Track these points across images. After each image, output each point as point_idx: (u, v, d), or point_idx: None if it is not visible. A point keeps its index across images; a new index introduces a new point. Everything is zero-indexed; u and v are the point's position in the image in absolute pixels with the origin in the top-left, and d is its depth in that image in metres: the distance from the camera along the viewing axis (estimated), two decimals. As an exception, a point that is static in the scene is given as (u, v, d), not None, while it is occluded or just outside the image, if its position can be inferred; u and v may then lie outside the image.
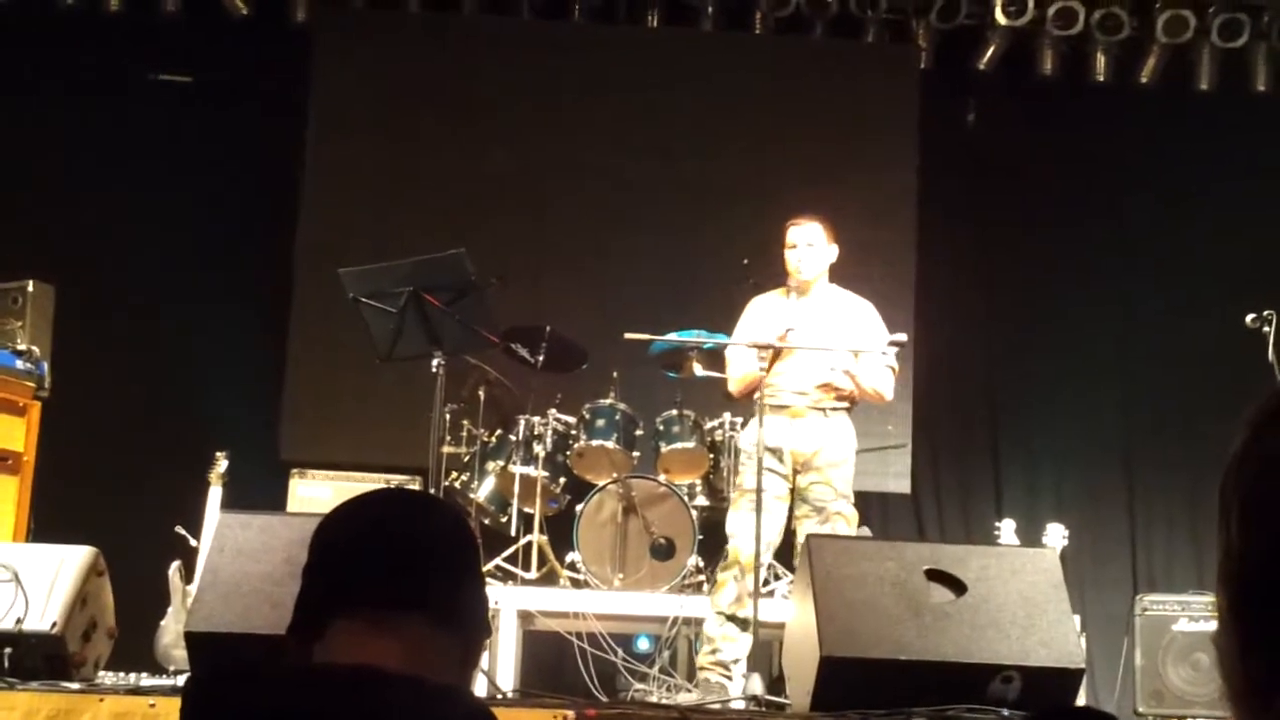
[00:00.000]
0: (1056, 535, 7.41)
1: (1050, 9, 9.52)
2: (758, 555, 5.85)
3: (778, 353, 6.21)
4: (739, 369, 6.47)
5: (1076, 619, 5.85)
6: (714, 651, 6.07)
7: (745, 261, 6.79)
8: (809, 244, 6.38)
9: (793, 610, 5.20)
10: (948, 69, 9.92)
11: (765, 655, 6.40)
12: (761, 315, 6.45)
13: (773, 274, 6.58)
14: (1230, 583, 1.16)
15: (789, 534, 6.34)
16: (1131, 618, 7.63)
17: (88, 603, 5.23)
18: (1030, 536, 7.62)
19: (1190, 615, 7.33)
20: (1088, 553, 9.07)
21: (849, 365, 6.18)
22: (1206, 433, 9.04)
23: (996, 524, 7.74)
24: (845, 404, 6.36)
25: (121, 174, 9.28)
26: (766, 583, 6.88)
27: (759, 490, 5.83)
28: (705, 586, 7.05)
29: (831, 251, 6.45)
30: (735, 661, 6.11)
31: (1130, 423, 9.60)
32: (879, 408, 9.23)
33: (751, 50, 9.96)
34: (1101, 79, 9.79)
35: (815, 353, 6.18)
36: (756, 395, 6.18)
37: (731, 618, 6.09)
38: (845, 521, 6.19)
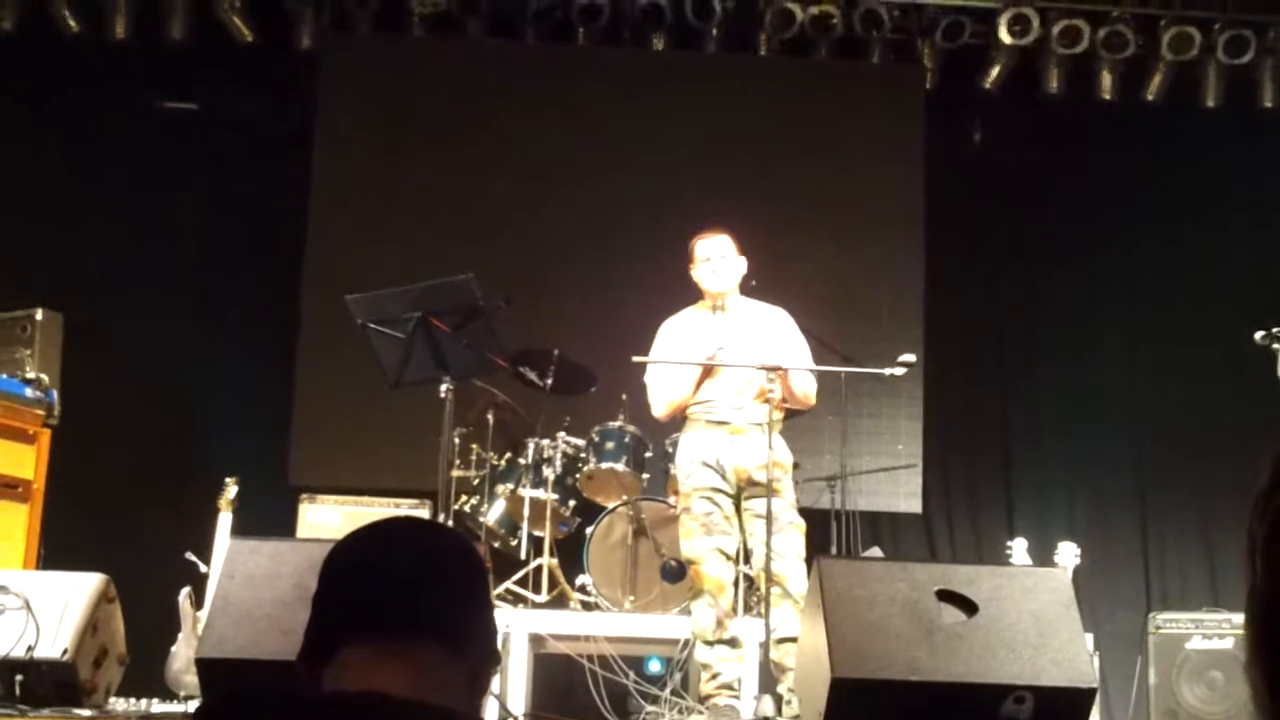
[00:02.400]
0: (1069, 554, 7.38)
1: (1055, 27, 9.53)
2: (768, 568, 5.79)
3: (707, 371, 6.17)
4: (666, 391, 6.26)
5: (1089, 638, 5.83)
6: (714, 676, 6.02)
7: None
8: (722, 256, 6.27)
9: (804, 631, 5.18)
10: (953, 89, 9.92)
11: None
12: (684, 334, 6.34)
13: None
14: (1257, 620, 1.15)
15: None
16: (1145, 636, 7.60)
17: (98, 629, 5.24)
18: (1042, 555, 7.60)
19: (1204, 633, 7.29)
20: (1100, 571, 9.05)
21: (778, 365, 6.05)
22: (1218, 449, 9.04)
23: (1008, 543, 7.72)
24: (781, 416, 6.24)
25: (128, 201, 9.31)
26: (756, 598, 6.83)
27: (770, 506, 5.81)
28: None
29: (741, 264, 6.32)
30: (738, 680, 6.07)
31: (1141, 439, 9.58)
32: (889, 429, 9.29)
33: (756, 72, 9.97)
34: (1107, 97, 9.79)
35: (748, 368, 6.08)
36: (688, 414, 6.16)
37: (719, 641, 6.03)
38: (799, 531, 6.08)
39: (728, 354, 6.11)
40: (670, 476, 7.30)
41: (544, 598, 7.42)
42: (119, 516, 8.59)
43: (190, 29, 9.64)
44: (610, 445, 7.65)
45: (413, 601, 1.88)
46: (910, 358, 6.35)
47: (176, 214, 9.33)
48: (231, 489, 7.22)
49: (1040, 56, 9.75)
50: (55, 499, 7.25)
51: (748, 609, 7.08)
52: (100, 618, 5.28)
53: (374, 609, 1.87)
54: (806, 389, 6.26)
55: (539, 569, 7.53)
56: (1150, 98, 9.80)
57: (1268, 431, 4.78)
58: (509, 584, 7.49)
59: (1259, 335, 6.61)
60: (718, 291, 6.25)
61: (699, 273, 6.32)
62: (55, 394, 7.34)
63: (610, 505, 7.65)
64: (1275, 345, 6.54)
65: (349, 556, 1.96)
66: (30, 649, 4.99)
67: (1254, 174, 9.61)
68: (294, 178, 9.45)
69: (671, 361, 6.26)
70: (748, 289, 6.41)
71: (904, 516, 9.45)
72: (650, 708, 6.44)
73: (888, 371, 6.33)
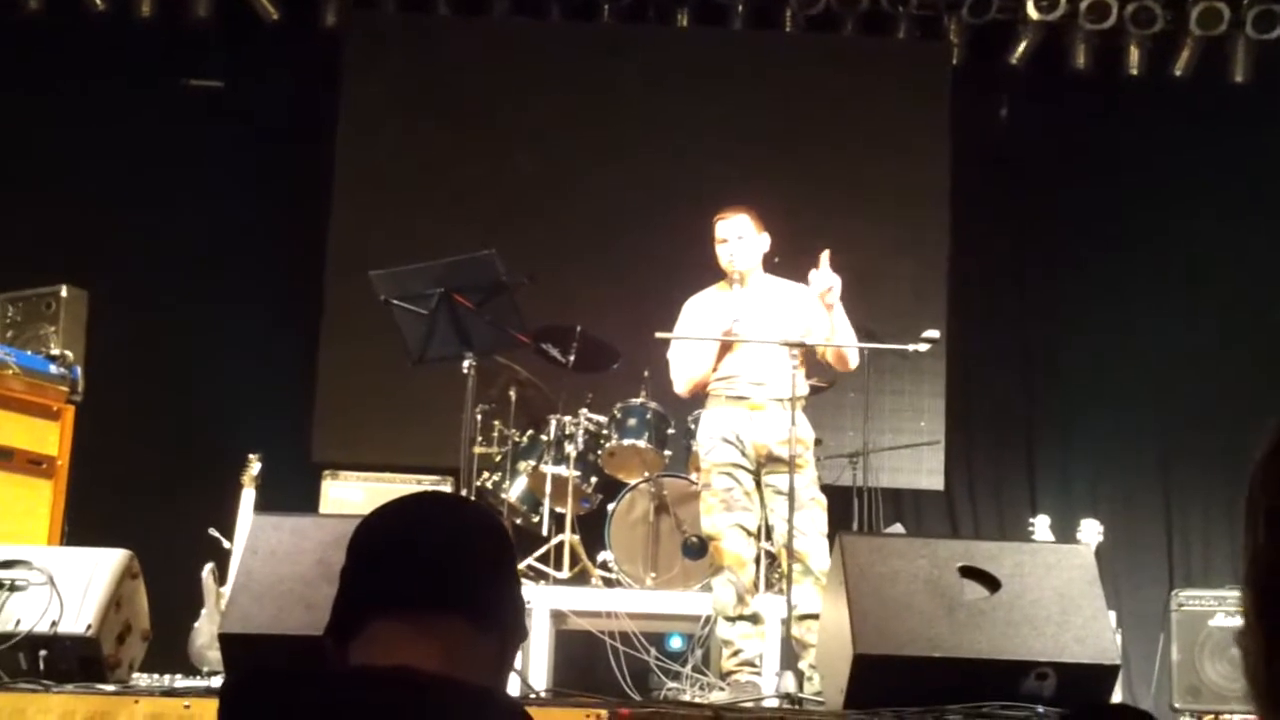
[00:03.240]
0: (1091, 531, 7.37)
1: (1083, 3, 9.47)
2: (790, 544, 5.78)
3: (726, 347, 6.15)
4: (687, 367, 6.27)
5: (1112, 615, 5.81)
6: (736, 653, 6.01)
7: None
8: (739, 236, 6.24)
9: (826, 608, 5.18)
10: (980, 64, 9.88)
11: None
12: (704, 311, 6.33)
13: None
14: (1255, 585, 1.16)
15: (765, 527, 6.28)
16: (1167, 613, 7.58)
17: (122, 605, 5.25)
18: (1065, 532, 7.58)
19: (1227, 610, 7.27)
20: (1123, 548, 9.02)
21: (831, 292, 6.02)
22: (1243, 425, 8.98)
23: (1031, 520, 7.70)
24: (805, 391, 6.19)
25: (153, 180, 9.35)
26: (778, 574, 6.82)
27: (791, 490, 5.80)
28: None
29: (763, 241, 6.29)
30: (759, 657, 6.07)
31: (1165, 416, 9.54)
32: (911, 406, 9.26)
33: (782, 48, 9.94)
34: (1135, 73, 9.73)
35: (768, 343, 6.06)
36: (710, 390, 6.16)
37: (740, 617, 6.04)
38: (821, 508, 6.07)
39: (744, 328, 6.09)
40: (692, 453, 7.31)
41: (565, 574, 7.43)
42: (143, 493, 8.64)
43: (215, 8, 9.67)
44: (632, 422, 7.65)
45: (440, 577, 1.88)
46: (934, 334, 6.32)
47: (202, 192, 9.36)
48: (255, 465, 7.26)
49: (1068, 32, 9.70)
50: (79, 475, 7.27)
51: (769, 585, 7.08)
52: (124, 594, 5.29)
53: (402, 584, 1.86)
54: (846, 350, 6.21)
55: (560, 545, 7.54)
56: (1178, 73, 9.73)
57: (1293, 409, 4.75)
58: (531, 560, 7.51)
59: (1281, 314, 6.58)
60: (736, 271, 6.24)
61: (718, 253, 6.31)
62: (79, 370, 7.36)
63: (632, 482, 7.65)
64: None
65: (377, 532, 1.96)
66: (54, 624, 5.00)
67: (1282, 150, 9.53)
68: (318, 156, 9.46)
69: (690, 338, 6.25)
70: (771, 266, 6.39)
71: (926, 493, 9.44)
72: (671, 684, 6.45)
73: (911, 348, 6.30)
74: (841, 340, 6.18)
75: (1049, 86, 9.88)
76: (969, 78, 9.80)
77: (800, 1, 9.66)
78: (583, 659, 7.19)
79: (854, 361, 6.34)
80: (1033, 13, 9.51)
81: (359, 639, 1.85)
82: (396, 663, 1.78)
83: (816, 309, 6.23)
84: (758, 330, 6.10)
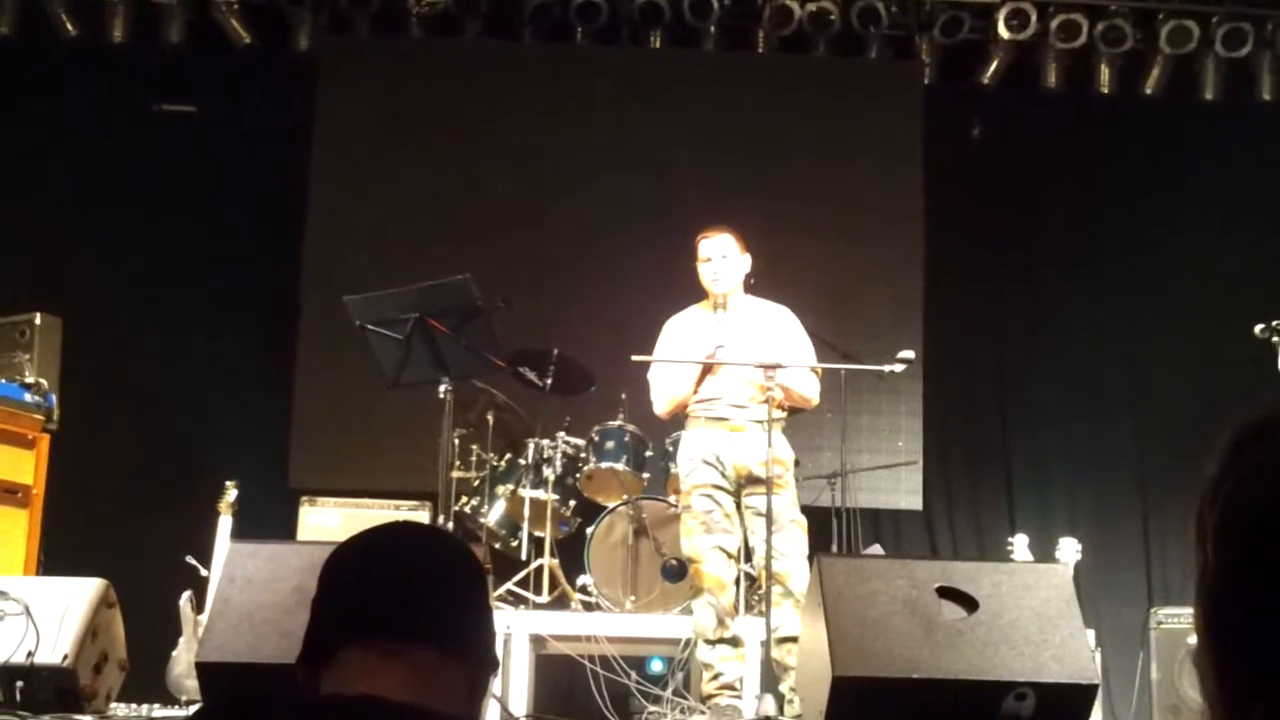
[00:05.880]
0: (1070, 550, 7.37)
1: (1053, 22, 9.51)
2: (768, 566, 5.79)
3: (707, 369, 6.16)
4: (667, 389, 6.29)
5: (1091, 634, 5.82)
6: (716, 676, 6.01)
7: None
8: (723, 255, 6.25)
9: (805, 630, 5.18)
10: (952, 84, 9.91)
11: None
12: (686, 333, 6.34)
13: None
14: (1205, 599, 1.18)
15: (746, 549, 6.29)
16: (1146, 631, 7.59)
17: (99, 635, 5.24)
18: (1044, 551, 7.59)
19: (1195, 628, 7.27)
20: (1102, 566, 9.05)
21: (779, 380, 6.03)
22: (1218, 443, 9.00)
23: (1010, 539, 7.71)
24: (783, 414, 6.24)
25: (126, 205, 9.30)
26: (757, 596, 6.83)
27: (771, 508, 5.80)
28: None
29: (745, 261, 6.30)
30: (740, 680, 6.07)
31: (1142, 434, 9.56)
32: (889, 426, 9.27)
33: (754, 69, 9.96)
34: (1106, 91, 9.77)
35: (746, 365, 6.08)
36: (689, 412, 6.17)
37: (720, 640, 6.03)
38: (801, 529, 6.08)
39: (728, 352, 6.10)
40: (671, 475, 7.30)
41: (545, 598, 7.41)
42: (119, 521, 8.58)
43: (187, 31, 9.62)
44: (610, 445, 7.64)
45: (411, 605, 1.89)
46: (909, 354, 6.35)
47: (175, 217, 9.32)
48: (231, 492, 7.22)
49: (1038, 51, 9.73)
50: (55, 504, 7.25)
51: (749, 608, 7.07)
52: (100, 623, 5.28)
53: (372, 612, 1.87)
54: (806, 390, 6.25)
55: (540, 569, 7.52)
56: (1149, 92, 9.78)
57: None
58: (510, 585, 7.49)
59: (1259, 329, 6.61)
60: (719, 291, 6.25)
61: (701, 272, 6.32)
62: (54, 398, 7.34)
63: (611, 505, 7.64)
64: (1275, 339, 6.53)
65: (348, 561, 1.96)
66: (30, 655, 4.99)
67: (1253, 168, 9.58)
68: (292, 180, 9.44)
69: (666, 360, 6.25)
70: (749, 287, 6.41)
71: (905, 513, 9.44)
72: (652, 708, 6.43)
73: (887, 368, 6.33)
74: (806, 382, 6.22)
75: (1020, 105, 9.92)
76: (941, 98, 9.82)
77: (772, 22, 9.67)
78: (563, 683, 7.17)
79: (815, 398, 6.35)
80: (1004, 32, 9.55)
81: (331, 667, 1.86)
82: (367, 691, 1.78)
83: (794, 330, 6.27)
84: (740, 354, 6.11)
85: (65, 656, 5.03)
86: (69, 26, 9.55)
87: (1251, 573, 1.14)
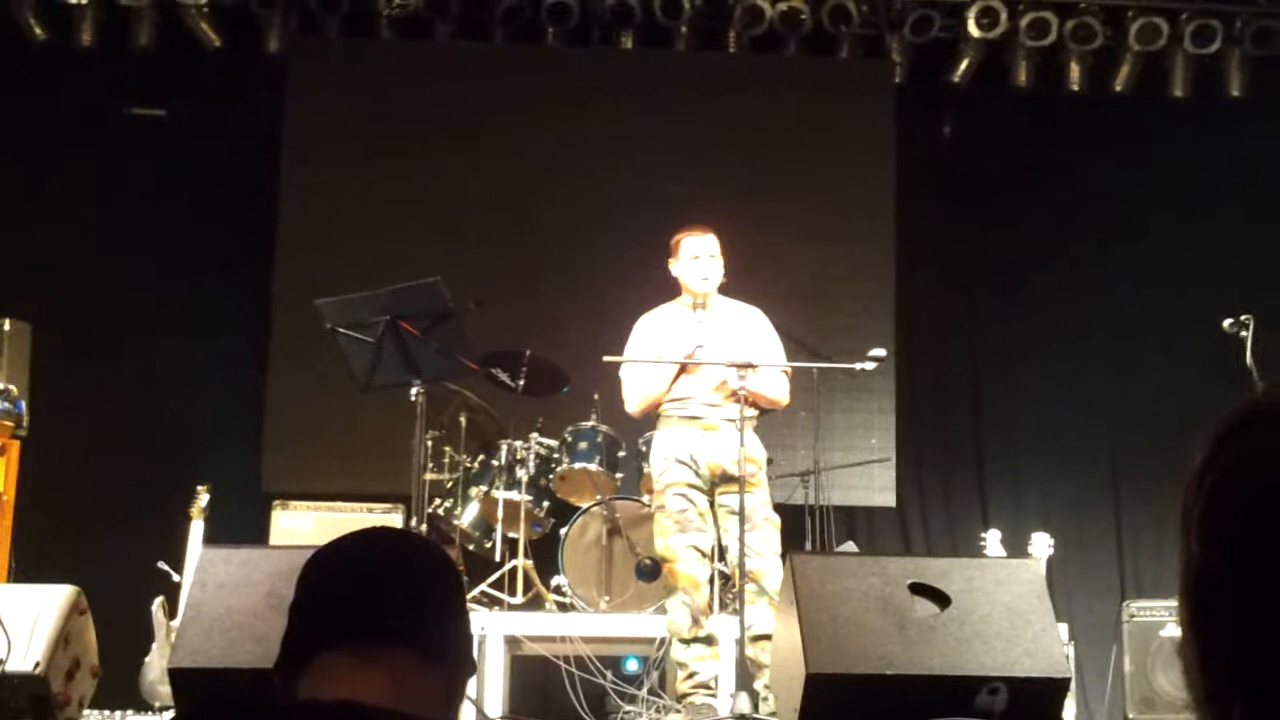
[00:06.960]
0: (1042, 544, 7.40)
1: (1023, 20, 9.54)
2: (741, 564, 5.79)
3: (683, 368, 6.16)
4: (641, 387, 6.28)
5: (1064, 628, 5.85)
6: (691, 675, 6.01)
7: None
8: (711, 254, 6.26)
9: (778, 628, 5.18)
10: (922, 83, 9.92)
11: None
12: (662, 331, 6.33)
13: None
14: (1190, 594, 1.18)
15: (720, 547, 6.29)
16: (1119, 624, 7.63)
17: (70, 642, 5.22)
18: (1017, 546, 7.62)
19: (1178, 620, 7.31)
20: (1075, 560, 9.08)
21: (747, 386, 6.02)
22: (1188, 437, 9.03)
23: (983, 535, 7.73)
24: (755, 412, 6.24)
25: (96, 209, 9.26)
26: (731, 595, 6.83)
27: (746, 507, 5.80)
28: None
29: (721, 263, 6.34)
30: (715, 678, 6.07)
31: (1115, 428, 9.59)
32: (862, 424, 9.29)
33: (726, 69, 9.96)
34: (1076, 89, 9.79)
35: (718, 365, 6.08)
36: (661, 410, 6.18)
37: (695, 639, 6.03)
38: (774, 527, 6.08)
39: (706, 353, 6.10)
40: (644, 475, 7.31)
41: (519, 599, 7.41)
42: (90, 527, 8.53)
43: (157, 35, 9.57)
44: (583, 445, 7.65)
45: (389, 610, 1.88)
46: (880, 352, 6.35)
47: (145, 221, 9.27)
48: (203, 497, 7.20)
49: (1009, 49, 9.76)
50: (25, 511, 7.22)
51: (723, 606, 7.08)
52: (72, 630, 5.25)
53: (350, 617, 1.87)
54: (776, 393, 6.25)
55: (514, 571, 7.51)
56: (1119, 89, 9.81)
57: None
58: (484, 586, 7.49)
59: (1227, 323, 6.65)
60: (705, 290, 6.24)
61: (684, 269, 6.30)
62: (24, 405, 7.30)
63: (584, 505, 7.64)
64: (1243, 333, 6.57)
65: (326, 566, 1.96)
66: (2, 662, 4.96)
67: (1222, 164, 9.63)
68: (263, 183, 9.40)
69: (637, 360, 6.25)
70: (721, 287, 6.41)
71: (878, 511, 9.45)
72: (628, 708, 6.44)
73: (859, 366, 6.33)
74: (776, 385, 6.22)
75: (991, 103, 9.94)
76: (912, 96, 9.84)
77: (743, 22, 9.68)
78: (538, 684, 7.16)
79: (785, 399, 6.36)
80: (974, 30, 9.57)
81: (308, 672, 1.85)
82: (344, 696, 1.77)
83: (766, 332, 6.28)
84: (718, 354, 6.11)
85: (37, 664, 5.01)
86: (37, 31, 9.50)
87: (1235, 563, 1.15)
